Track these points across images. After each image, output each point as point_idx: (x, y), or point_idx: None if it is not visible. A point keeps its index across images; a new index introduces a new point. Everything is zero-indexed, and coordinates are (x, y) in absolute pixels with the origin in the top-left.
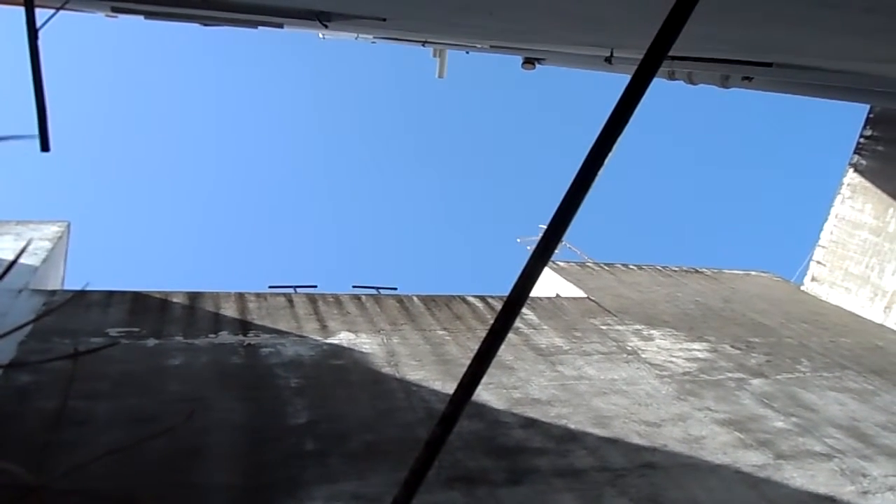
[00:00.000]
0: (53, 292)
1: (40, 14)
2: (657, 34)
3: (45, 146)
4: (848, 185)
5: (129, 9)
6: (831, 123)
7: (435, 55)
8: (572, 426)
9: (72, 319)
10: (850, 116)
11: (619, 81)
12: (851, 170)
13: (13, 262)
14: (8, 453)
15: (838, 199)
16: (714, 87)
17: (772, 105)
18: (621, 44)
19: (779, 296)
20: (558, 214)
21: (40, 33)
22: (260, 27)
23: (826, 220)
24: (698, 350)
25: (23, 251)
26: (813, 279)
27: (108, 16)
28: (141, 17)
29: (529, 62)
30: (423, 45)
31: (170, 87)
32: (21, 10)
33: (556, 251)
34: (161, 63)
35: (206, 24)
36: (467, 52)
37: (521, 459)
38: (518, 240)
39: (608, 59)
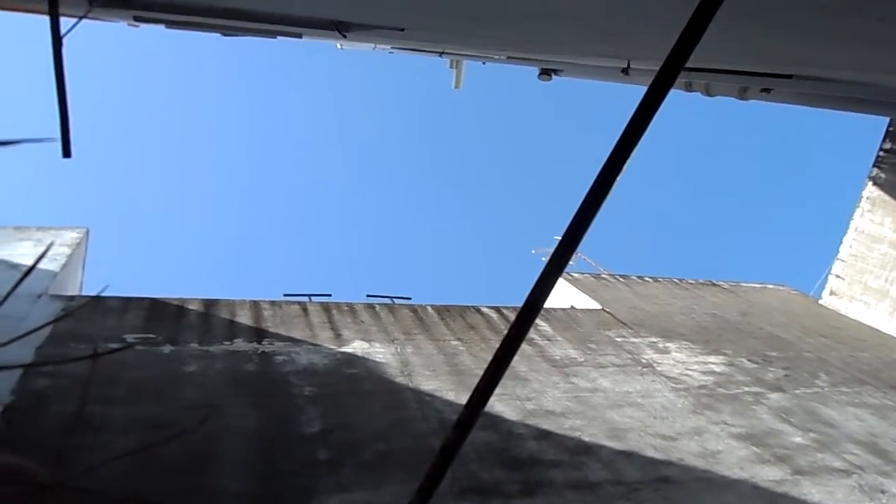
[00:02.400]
0: (72, 297)
1: (65, 22)
2: (673, 47)
3: (66, 152)
4: (867, 198)
5: (151, 18)
6: (851, 136)
7: (452, 66)
8: (586, 438)
9: (89, 325)
10: (870, 129)
11: (635, 93)
12: (871, 183)
13: (32, 267)
14: (25, 455)
15: (857, 212)
16: (732, 98)
17: (791, 117)
18: (638, 55)
19: (797, 309)
20: (575, 221)
21: (64, 41)
22: (279, 37)
23: (845, 233)
24: (715, 363)
25: (42, 256)
26: (832, 293)
27: (130, 25)
28: (162, 27)
29: (546, 73)
30: (440, 56)
31: (190, 96)
32: (46, 18)
33: (572, 263)
34: (182, 71)
35: (226, 34)
36: (484, 63)
37: (534, 471)
38: (533, 251)
39: (625, 71)
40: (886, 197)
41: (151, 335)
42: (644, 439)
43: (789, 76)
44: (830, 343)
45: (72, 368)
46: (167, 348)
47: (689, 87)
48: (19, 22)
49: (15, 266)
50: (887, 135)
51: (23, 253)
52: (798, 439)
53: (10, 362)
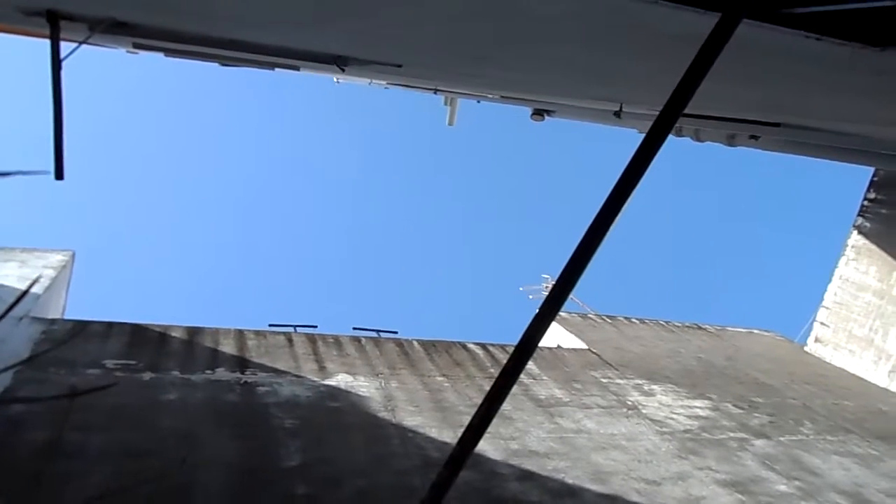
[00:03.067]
0: (54, 321)
1: (65, 47)
2: (669, 99)
3: (59, 174)
4: (852, 246)
5: (149, 45)
6: (837, 184)
7: (446, 103)
8: (570, 481)
9: (70, 350)
10: (856, 178)
11: (627, 135)
12: (856, 232)
13: (24, 293)
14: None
15: (843, 260)
16: (721, 144)
17: (778, 164)
18: (631, 99)
19: (782, 356)
20: (571, 262)
21: (63, 65)
22: (277, 69)
23: (830, 281)
24: (700, 408)
25: (34, 282)
26: (817, 340)
27: (129, 51)
28: (161, 54)
29: (538, 113)
30: (434, 93)
31: (184, 123)
32: (47, 41)
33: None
34: (178, 99)
35: (224, 64)
36: (478, 101)
37: None
38: (521, 288)
39: (617, 114)
40: (871, 246)
41: (132, 361)
42: (628, 483)
43: (777, 124)
44: (815, 390)
45: (49, 394)
46: (147, 375)
47: (678, 133)
48: (19, 44)
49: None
50: (872, 184)
51: (7, 274)
52: (783, 487)
53: None
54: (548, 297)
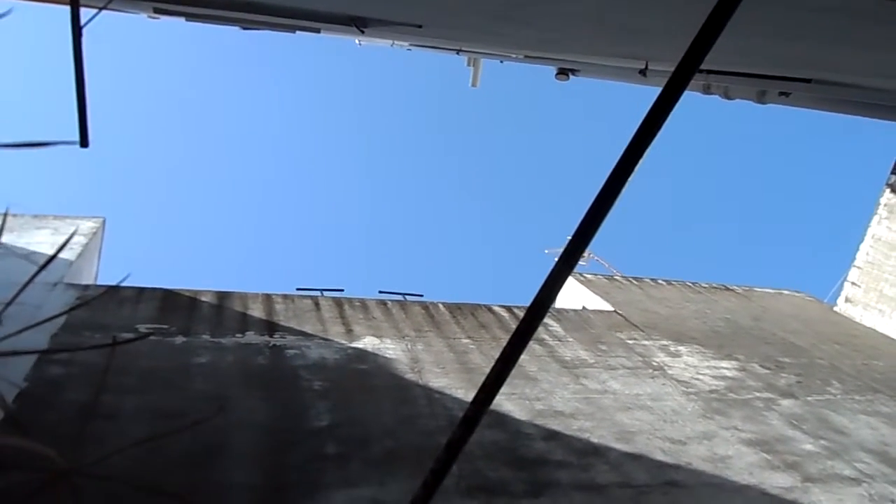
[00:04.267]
0: (87, 287)
1: (85, 13)
2: (688, 48)
3: (84, 142)
4: (885, 205)
5: (170, 10)
6: (869, 142)
7: (469, 64)
8: (595, 440)
9: (103, 314)
10: (889, 135)
11: (653, 94)
12: (888, 190)
13: (53, 257)
14: (37, 441)
15: (875, 219)
16: (751, 102)
17: (809, 122)
18: (657, 56)
19: (811, 316)
20: (586, 219)
21: (84, 31)
22: (297, 31)
23: (862, 240)
24: (727, 368)
25: (63, 245)
26: (847, 300)
27: (150, 17)
28: (182, 19)
29: (563, 73)
30: (457, 54)
31: (208, 89)
32: (67, 8)
33: (585, 264)
34: (200, 64)
35: (245, 28)
36: (501, 62)
37: (541, 472)
38: (546, 251)
39: (643, 72)
40: None
41: (164, 326)
42: (653, 442)
43: (808, 80)
44: (844, 350)
45: (85, 357)
46: (179, 339)
47: (707, 90)
48: (41, 12)
49: (32, 254)
50: None
51: (40, 241)
52: (808, 446)
53: (26, 348)
54: (561, 256)
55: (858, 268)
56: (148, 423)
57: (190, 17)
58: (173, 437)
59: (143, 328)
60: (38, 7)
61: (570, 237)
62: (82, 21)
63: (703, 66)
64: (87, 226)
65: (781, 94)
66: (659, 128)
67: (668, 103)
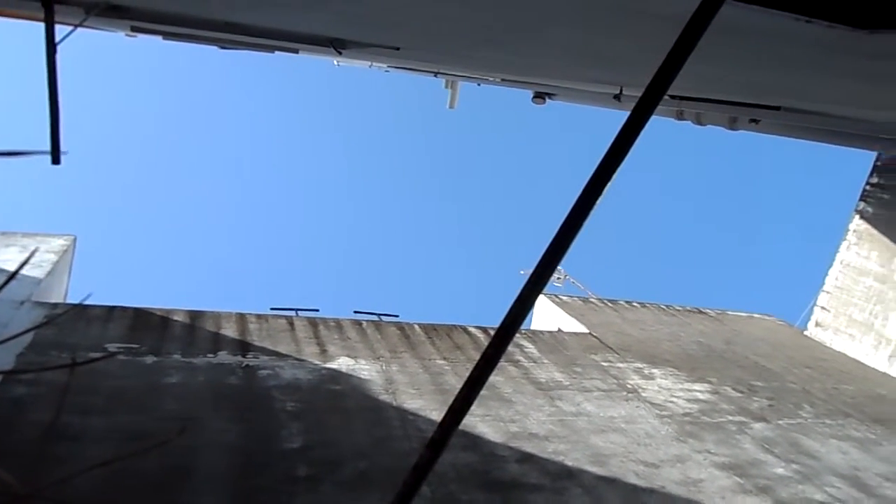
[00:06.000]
0: (55, 305)
1: (60, 30)
2: (657, 72)
3: (56, 159)
4: (854, 231)
5: (147, 29)
6: (839, 169)
7: (447, 86)
8: (569, 463)
9: (71, 333)
10: (858, 162)
11: None
12: (857, 216)
13: (14, 273)
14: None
15: (844, 245)
16: (722, 128)
17: (780, 148)
18: (631, 82)
19: (782, 340)
20: (554, 243)
21: (59, 48)
22: (276, 51)
23: (831, 265)
24: (699, 391)
25: (25, 262)
26: (817, 324)
27: (127, 35)
28: (159, 38)
29: (540, 97)
30: (435, 76)
31: (184, 107)
32: (41, 25)
33: (560, 285)
34: (178, 82)
35: (223, 47)
36: (479, 84)
37: (515, 495)
38: (521, 272)
39: (617, 97)
40: (873, 230)
41: (135, 345)
42: (627, 465)
43: (777, 108)
44: (815, 374)
45: (51, 376)
46: (149, 359)
47: (680, 116)
48: (15, 28)
49: (0, 272)
50: (875, 169)
51: (7, 259)
52: (780, 470)
53: None
54: (529, 280)
55: (828, 293)
56: (115, 444)
57: (167, 35)
58: (140, 458)
59: (112, 347)
60: (11, 23)
61: (537, 262)
62: (57, 38)
63: (675, 93)
64: (57, 243)
65: (752, 120)
66: (627, 151)
67: (636, 128)
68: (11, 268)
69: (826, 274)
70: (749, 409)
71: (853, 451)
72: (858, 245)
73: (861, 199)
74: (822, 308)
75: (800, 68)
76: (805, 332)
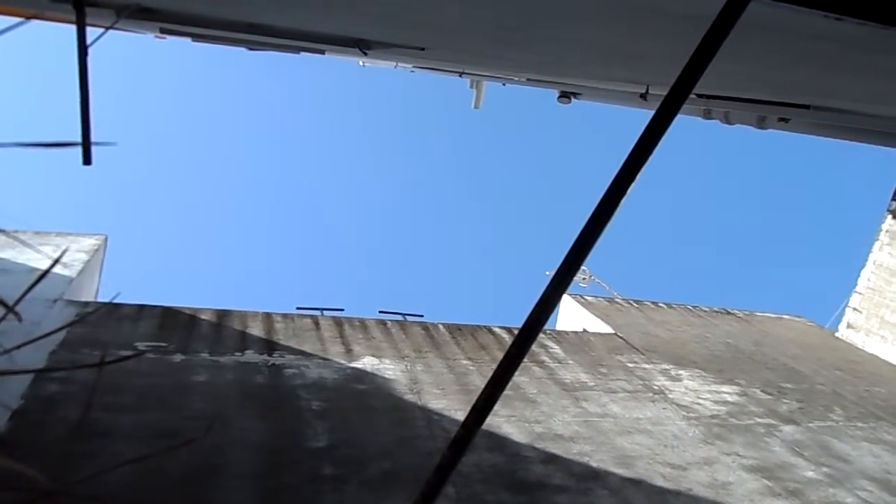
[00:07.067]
0: (87, 303)
1: (91, 32)
2: (682, 71)
3: (87, 159)
4: (886, 231)
5: (176, 31)
6: (871, 168)
7: (472, 86)
8: (594, 464)
9: (102, 331)
10: (889, 161)
11: None
12: (890, 216)
13: (45, 273)
14: (31, 460)
15: (876, 245)
16: (751, 127)
17: (810, 147)
18: (657, 81)
19: (812, 341)
20: (578, 244)
21: (90, 50)
22: (302, 52)
23: (864, 266)
24: (728, 393)
25: (56, 262)
26: (848, 326)
27: (156, 37)
28: (188, 39)
29: (565, 96)
30: (460, 76)
31: (213, 108)
32: (73, 27)
33: (585, 286)
34: (206, 83)
35: (251, 48)
36: (504, 84)
37: (540, 496)
38: (547, 272)
39: (643, 96)
40: None
41: (163, 343)
42: (653, 467)
43: (807, 106)
44: (846, 377)
45: (82, 375)
46: (178, 357)
47: (708, 115)
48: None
49: (33, 270)
50: None
51: (41, 258)
52: (810, 473)
53: (22, 367)
54: (552, 280)
55: (860, 294)
56: (144, 442)
57: (196, 37)
58: (169, 456)
59: (141, 346)
60: (44, 25)
61: (560, 262)
62: (88, 40)
63: (702, 92)
64: (88, 243)
65: (781, 119)
66: (651, 150)
67: (661, 127)
68: (45, 267)
69: (858, 275)
70: (778, 412)
71: (885, 455)
72: (891, 245)
73: (894, 199)
74: (854, 309)
75: (830, 66)
76: (836, 334)
